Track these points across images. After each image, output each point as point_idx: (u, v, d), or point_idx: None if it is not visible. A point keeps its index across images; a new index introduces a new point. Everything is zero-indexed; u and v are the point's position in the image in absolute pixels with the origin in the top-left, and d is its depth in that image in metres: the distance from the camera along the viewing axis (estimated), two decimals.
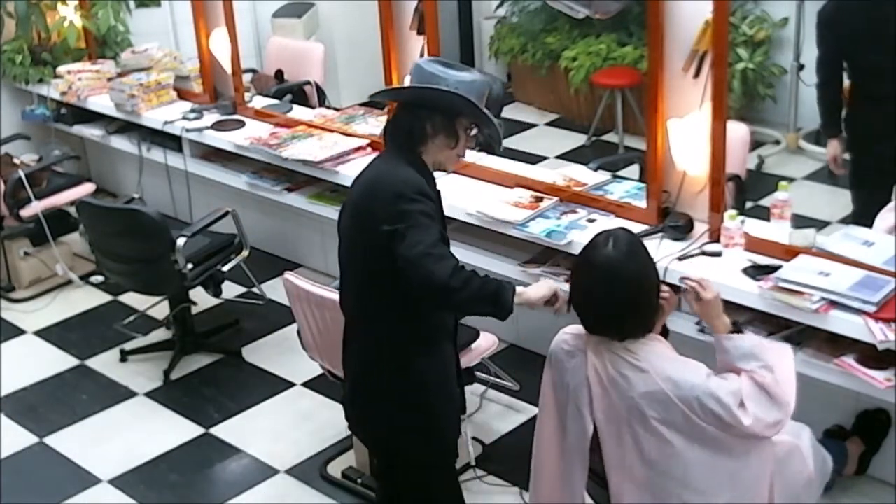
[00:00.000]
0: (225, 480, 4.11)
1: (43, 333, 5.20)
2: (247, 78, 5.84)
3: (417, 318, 2.96)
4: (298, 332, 3.87)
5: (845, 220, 4.93)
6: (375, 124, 4.98)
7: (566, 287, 2.88)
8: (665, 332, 2.97)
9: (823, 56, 4.45)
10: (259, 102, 5.57)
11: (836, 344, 3.34)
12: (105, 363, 4.89)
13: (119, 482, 4.10)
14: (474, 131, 2.99)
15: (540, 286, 2.93)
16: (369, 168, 3.05)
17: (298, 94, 5.82)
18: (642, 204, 3.96)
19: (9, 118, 6.26)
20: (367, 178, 2.99)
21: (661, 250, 3.69)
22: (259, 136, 5.11)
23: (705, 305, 2.85)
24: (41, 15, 5.95)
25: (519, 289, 2.86)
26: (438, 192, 2.98)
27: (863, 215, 4.12)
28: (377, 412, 3.08)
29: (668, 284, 2.92)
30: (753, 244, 3.64)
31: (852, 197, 4.65)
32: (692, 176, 3.78)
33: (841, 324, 3.26)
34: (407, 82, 3.06)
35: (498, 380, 4.34)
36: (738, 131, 4.14)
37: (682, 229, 3.79)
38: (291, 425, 4.31)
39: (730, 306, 3.38)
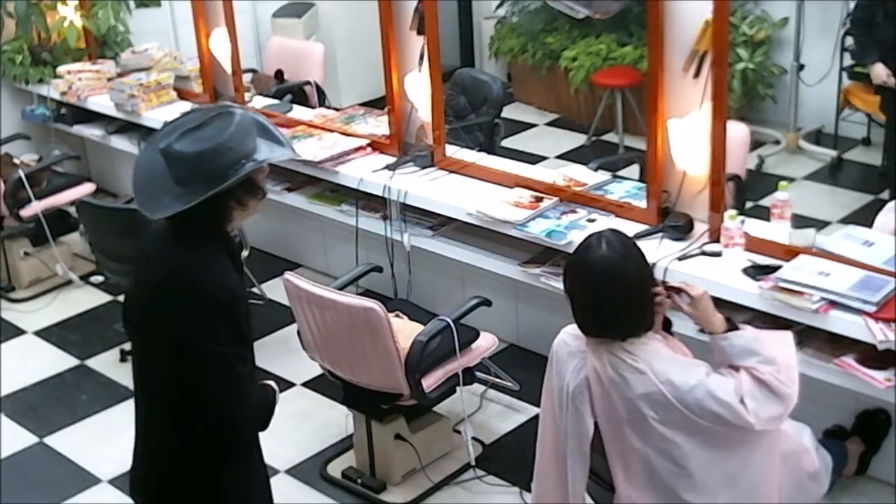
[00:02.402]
0: None
1: (43, 333, 5.20)
2: (247, 78, 5.84)
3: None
4: (298, 332, 3.87)
5: (845, 220, 4.94)
6: (375, 124, 4.97)
7: None
8: (668, 325, 2.94)
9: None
10: (259, 102, 5.57)
11: (836, 344, 3.34)
12: (105, 363, 4.89)
13: (119, 482, 4.08)
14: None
15: None
16: (158, 249, 2.50)
17: (298, 94, 5.82)
18: (642, 204, 3.96)
19: (9, 118, 6.26)
20: (165, 271, 2.44)
21: (661, 250, 3.69)
22: None
23: (698, 303, 2.80)
24: (41, 15, 5.95)
25: None
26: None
27: None
28: None
29: (663, 284, 2.90)
30: (753, 244, 3.63)
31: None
32: (692, 176, 3.78)
33: (841, 324, 3.26)
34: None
35: (498, 380, 4.34)
36: (738, 131, 4.14)
37: (682, 229, 3.79)
38: (291, 425, 4.30)
39: (730, 306, 3.39)
